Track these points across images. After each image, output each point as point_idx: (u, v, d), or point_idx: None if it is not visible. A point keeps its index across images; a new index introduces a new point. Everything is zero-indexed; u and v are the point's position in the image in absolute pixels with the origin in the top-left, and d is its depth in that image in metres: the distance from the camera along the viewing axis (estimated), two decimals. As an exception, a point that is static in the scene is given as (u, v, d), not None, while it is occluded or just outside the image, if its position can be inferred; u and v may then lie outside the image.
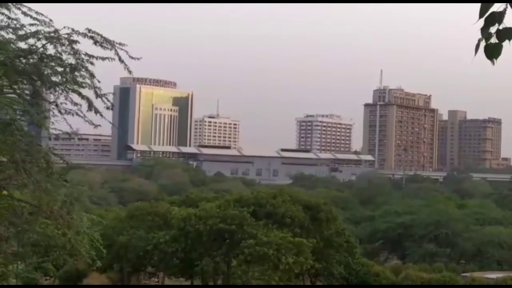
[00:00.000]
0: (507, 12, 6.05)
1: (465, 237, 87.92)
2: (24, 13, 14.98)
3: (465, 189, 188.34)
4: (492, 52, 6.10)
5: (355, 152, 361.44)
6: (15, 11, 15.07)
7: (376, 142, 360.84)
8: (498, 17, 6.02)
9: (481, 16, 6.03)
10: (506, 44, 6.17)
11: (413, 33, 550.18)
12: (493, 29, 6.09)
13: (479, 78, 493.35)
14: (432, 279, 63.76)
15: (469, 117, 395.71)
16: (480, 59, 6.30)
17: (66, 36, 15.24)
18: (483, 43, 6.11)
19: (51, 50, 15.38)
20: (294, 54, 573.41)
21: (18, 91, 15.63)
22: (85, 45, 15.53)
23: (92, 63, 15.58)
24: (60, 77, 15.56)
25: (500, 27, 6.07)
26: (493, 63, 6.18)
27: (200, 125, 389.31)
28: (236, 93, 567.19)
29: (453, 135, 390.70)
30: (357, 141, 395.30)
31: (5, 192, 15.82)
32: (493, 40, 6.09)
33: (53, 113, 15.95)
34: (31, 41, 15.31)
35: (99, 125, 16.41)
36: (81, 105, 15.63)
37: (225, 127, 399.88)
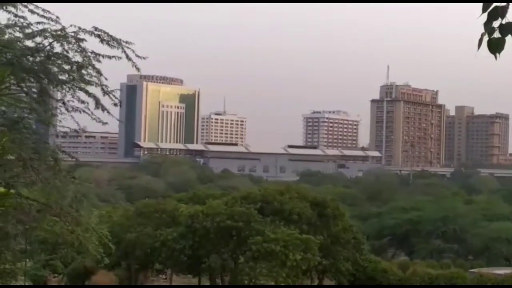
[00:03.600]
0: (510, 6, 6.04)
1: (473, 233, 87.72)
2: (31, 11, 15.02)
3: (473, 185, 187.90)
4: (495, 47, 6.10)
5: (362, 149, 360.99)
6: (22, 9, 15.12)
7: (383, 138, 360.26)
8: (501, 11, 6.02)
9: (484, 11, 6.03)
10: (511, 39, 6.17)
11: (420, 29, 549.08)
12: (496, 24, 6.09)
13: (486, 74, 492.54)
14: (439, 276, 63.63)
15: (476, 112, 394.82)
16: (487, 55, 6.30)
17: (72, 34, 15.28)
18: (486, 38, 6.11)
19: (58, 48, 15.44)
20: (300, 50, 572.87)
21: (25, 89, 15.68)
22: (91, 43, 15.58)
23: (99, 61, 15.63)
24: (67, 75, 15.61)
25: (503, 22, 6.07)
26: (496, 58, 6.18)
27: (207, 122, 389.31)
28: (243, 90, 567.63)
29: (460, 130, 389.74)
30: (364, 137, 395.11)
31: (12, 190, 15.88)
32: (496, 34, 6.09)
33: (60, 110, 16.00)
34: (38, 39, 15.36)
35: (107, 123, 16.45)
36: (88, 103, 15.68)
37: (232, 124, 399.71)
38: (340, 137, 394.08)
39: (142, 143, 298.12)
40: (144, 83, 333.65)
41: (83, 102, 15.66)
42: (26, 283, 46.65)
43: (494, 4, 6.01)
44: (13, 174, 15.41)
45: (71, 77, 15.56)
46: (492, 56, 6.23)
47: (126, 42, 15.58)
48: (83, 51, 15.41)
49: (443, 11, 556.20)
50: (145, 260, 62.73)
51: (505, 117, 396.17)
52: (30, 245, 24.14)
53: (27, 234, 19.11)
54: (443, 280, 62.95)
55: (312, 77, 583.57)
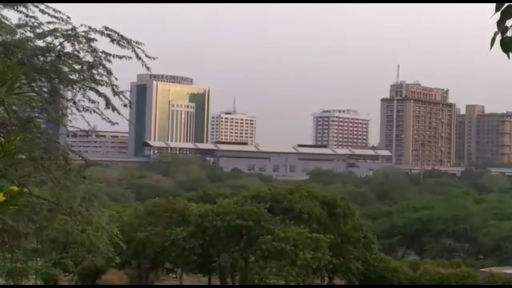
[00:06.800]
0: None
1: (484, 232, 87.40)
2: (42, 11, 15.08)
3: (483, 184, 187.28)
4: (508, 46, 6.05)
5: (372, 148, 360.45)
6: (33, 9, 15.18)
7: (393, 137, 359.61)
8: (514, 10, 5.97)
9: (497, 9, 6.00)
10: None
11: (430, 28, 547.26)
12: (509, 23, 6.05)
13: (497, 72, 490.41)
14: (450, 275, 63.48)
15: (487, 111, 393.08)
16: (498, 53, 6.27)
17: (83, 34, 15.33)
18: (499, 37, 6.07)
19: (68, 48, 15.48)
20: (310, 49, 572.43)
21: (36, 89, 15.73)
22: (102, 43, 15.63)
23: (109, 61, 15.67)
24: (77, 75, 15.66)
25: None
26: (509, 57, 6.14)
27: (217, 121, 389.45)
28: (253, 89, 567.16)
29: (470, 129, 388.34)
30: (374, 136, 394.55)
31: (26, 189, 15.91)
32: (509, 33, 6.05)
33: (71, 110, 16.06)
34: (49, 39, 15.41)
35: (117, 123, 16.49)
36: (98, 103, 15.72)
37: (241, 123, 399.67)
38: (350, 136, 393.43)
39: (152, 142, 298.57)
40: (154, 82, 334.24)
41: (93, 102, 15.70)
42: (37, 282, 46.84)
43: (507, 3, 5.97)
44: (24, 174, 15.47)
45: (82, 77, 15.61)
46: (504, 54, 6.20)
47: (136, 42, 15.63)
48: (93, 51, 15.46)
49: (454, 10, 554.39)
50: (155, 259, 62.88)
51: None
52: (41, 244, 24.21)
53: (38, 233, 19.17)
54: (454, 279, 62.79)
55: (322, 76, 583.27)
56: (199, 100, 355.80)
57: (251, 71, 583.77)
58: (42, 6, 15.09)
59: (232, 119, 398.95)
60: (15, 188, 4.35)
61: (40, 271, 47.41)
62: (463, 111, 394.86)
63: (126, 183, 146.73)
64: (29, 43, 15.32)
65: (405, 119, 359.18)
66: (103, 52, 15.56)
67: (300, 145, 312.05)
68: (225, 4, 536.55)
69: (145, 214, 64.54)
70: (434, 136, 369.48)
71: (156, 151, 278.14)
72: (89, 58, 15.51)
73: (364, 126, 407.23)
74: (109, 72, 15.71)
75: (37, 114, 15.62)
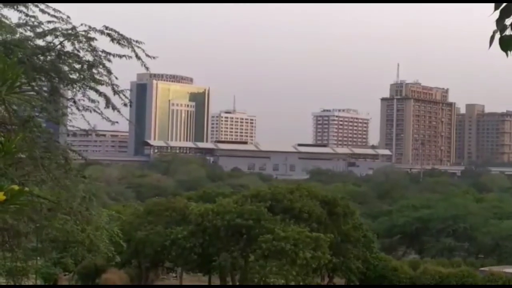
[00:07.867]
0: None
1: (483, 231, 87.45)
2: (42, 11, 15.08)
3: (483, 183, 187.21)
4: (507, 44, 6.06)
5: (372, 147, 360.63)
6: (33, 9, 15.18)
7: (393, 137, 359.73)
8: (513, 9, 5.98)
9: (496, 8, 6.01)
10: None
11: (430, 27, 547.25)
12: (508, 21, 6.06)
13: (497, 72, 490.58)
14: (450, 274, 63.52)
15: (487, 110, 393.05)
16: (499, 53, 6.28)
17: (83, 33, 15.33)
18: (497, 35, 6.08)
19: (68, 47, 15.48)
20: (310, 49, 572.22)
21: (36, 88, 15.72)
22: (102, 42, 15.62)
23: (109, 60, 15.66)
24: (77, 74, 15.65)
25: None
26: (508, 55, 6.14)
27: (217, 120, 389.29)
28: (253, 88, 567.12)
29: (470, 128, 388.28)
30: (374, 136, 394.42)
31: (26, 188, 15.89)
32: (508, 32, 6.06)
33: (71, 109, 16.06)
34: (49, 38, 15.40)
35: (117, 122, 16.49)
36: (98, 102, 15.72)
37: (241, 122, 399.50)
38: (350, 135, 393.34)
39: (152, 142, 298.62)
40: (154, 81, 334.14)
41: (93, 101, 15.70)
42: (38, 281, 46.85)
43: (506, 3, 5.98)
44: (24, 173, 15.48)
45: (82, 76, 15.60)
46: (503, 53, 6.21)
47: (136, 41, 15.63)
48: (93, 50, 15.46)
49: (454, 10, 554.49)
50: (155, 258, 62.90)
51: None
52: (41, 243, 24.22)
53: (39, 232, 19.19)
54: (454, 278, 62.83)
55: (322, 76, 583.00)
56: (199, 99, 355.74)
57: (251, 70, 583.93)
58: (42, 5, 15.09)
59: (232, 118, 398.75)
60: (15, 187, 4.35)
61: (40, 271, 47.39)
62: (463, 110, 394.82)
63: (126, 182, 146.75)
64: (29, 42, 15.32)
65: (405, 118, 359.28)
66: (103, 51, 15.56)
67: (300, 144, 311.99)
68: (225, 4, 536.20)
69: (145, 213, 64.57)
70: (434, 135, 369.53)
71: (156, 150, 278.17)
72: (89, 57, 15.51)
73: (364, 125, 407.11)
74: (109, 71, 15.71)
75: (37, 113, 15.60)
